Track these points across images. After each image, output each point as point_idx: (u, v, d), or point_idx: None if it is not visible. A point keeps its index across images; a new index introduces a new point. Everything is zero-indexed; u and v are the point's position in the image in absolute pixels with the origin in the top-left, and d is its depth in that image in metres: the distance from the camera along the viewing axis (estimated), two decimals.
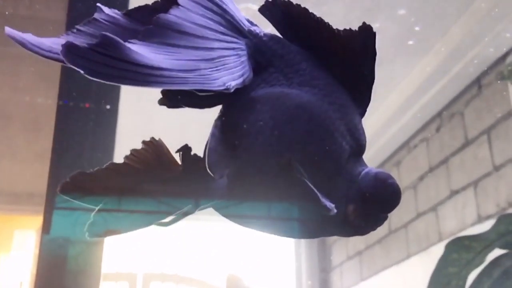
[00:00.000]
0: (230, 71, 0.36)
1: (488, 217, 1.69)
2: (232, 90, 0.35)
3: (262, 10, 0.41)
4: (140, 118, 1.82)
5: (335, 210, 0.35)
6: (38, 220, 0.88)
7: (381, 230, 2.33)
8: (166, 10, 0.34)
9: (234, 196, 0.37)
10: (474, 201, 1.78)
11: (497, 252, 1.52)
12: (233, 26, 0.38)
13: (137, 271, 2.48)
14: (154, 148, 0.40)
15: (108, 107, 1.00)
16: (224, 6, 0.38)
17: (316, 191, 0.35)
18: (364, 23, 0.39)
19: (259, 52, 0.39)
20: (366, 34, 0.38)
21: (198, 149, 0.40)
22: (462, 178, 1.84)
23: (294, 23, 0.40)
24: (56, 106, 1.00)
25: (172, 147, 0.41)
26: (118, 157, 1.02)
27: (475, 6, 1.60)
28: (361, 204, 0.37)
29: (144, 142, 0.40)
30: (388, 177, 0.38)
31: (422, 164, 2.07)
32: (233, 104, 0.38)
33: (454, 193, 1.88)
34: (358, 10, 1.61)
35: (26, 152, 1.37)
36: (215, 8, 0.38)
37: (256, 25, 0.41)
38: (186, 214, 0.39)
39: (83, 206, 0.40)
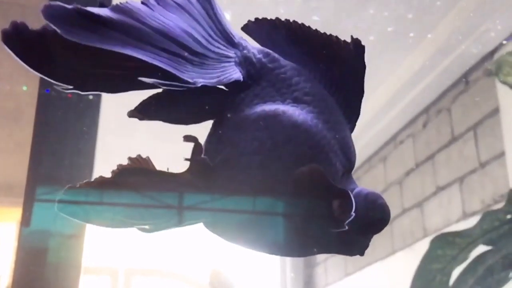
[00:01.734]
0: (205, 71, 0.35)
1: (473, 214, 1.69)
2: (198, 85, 0.34)
3: (246, 29, 0.41)
4: (124, 110, 1.80)
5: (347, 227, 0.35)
6: (17, 212, 0.86)
7: None
8: None
9: (227, 215, 0.37)
10: (459, 198, 1.78)
11: (481, 248, 1.52)
12: (224, 35, 0.39)
13: (119, 266, 2.47)
14: (139, 165, 0.38)
15: (91, 97, 0.98)
16: (219, 18, 0.39)
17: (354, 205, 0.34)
18: (352, 36, 0.38)
19: (249, 63, 0.39)
20: (355, 48, 0.38)
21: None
22: (447, 174, 1.85)
23: (281, 38, 0.40)
24: (37, 95, 0.98)
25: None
26: (100, 148, 1.00)
27: (463, 2, 1.60)
28: (351, 224, 0.37)
29: (130, 158, 0.38)
30: (378, 198, 0.38)
31: (408, 160, 2.08)
32: (226, 120, 0.38)
33: (440, 189, 1.88)
34: (347, 4, 1.60)
35: (5, 142, 1.35)
36: (211, 13, 0.38)
37: (245, 39, 0.41)
38: (170, 226, 0.38)
39: None
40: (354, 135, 0.40)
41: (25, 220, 0.88)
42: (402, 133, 2.14)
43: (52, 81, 0.37)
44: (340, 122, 0.39)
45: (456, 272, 1.55)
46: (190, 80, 0.34)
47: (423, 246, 1.70)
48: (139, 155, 0.38)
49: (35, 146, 0.95)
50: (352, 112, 0.40)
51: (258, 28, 0.41)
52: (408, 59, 1.84)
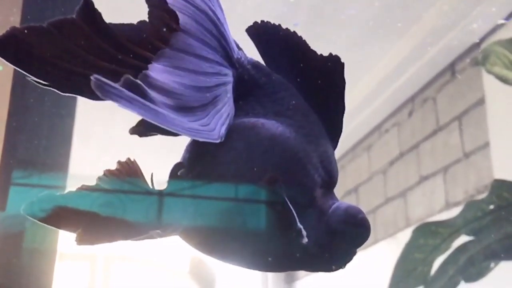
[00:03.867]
0: (220, 115, 0.35)
1: (456, 204, 1.69)
2: (223, 139, 0.35)
3: (249, 31, 0.41)
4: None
5: (306, 239, 0.35)
6: None
7: None
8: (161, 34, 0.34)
9: (200, 226, 0.37)
10: (442, 188, 1.78)
11: (463, 238, 1.52)
12: (226, 54, 0.38)
13: (98, 252, 2.45)
14: (128, 169, 0.38)
15: None
16: (222, 28, 0.38)
17: (294, 212, 0.34)
18: (331, 53, 0.39)
19: (242, 82, 0.39)
20: (334, 65, 0.39)
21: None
22: (432, 164, 1.84)
23: (276, 46, 0.41)
24: (12, 75, 0.95)
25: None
26: (78, 132, 0.96)
27: None
28: (330, 238, 0.37)
29: (119, 162, 0.38)
30: (359, 212, 0.38)
31: (393, 149, 2.07)
32: None
33: (424, 179, 1.88)
34: None
35: None
36: (214, 30, 0.37)
37: (241, 49, 0.40)
38: (147, 237, 0.37)
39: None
40: None
41: (0, 205, 0.86)
42: (387, 122, 2.13)
43: (28, 75, 0.36)
44: (322, 137, 0.39)
45: (438, 262, 1.55)
46: (217, 140, 0.34)
47: (405, 235, 1.70)
48: (128, 158, 0.38)
49: (10, 129, 0.93)
50: (334, 129, 0.40)
51: (261, 31, 0.41)
52: (395, 47, 1.83)
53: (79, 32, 0.35)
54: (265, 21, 0.41)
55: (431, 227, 1.63)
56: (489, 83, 1.60)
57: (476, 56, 1.64)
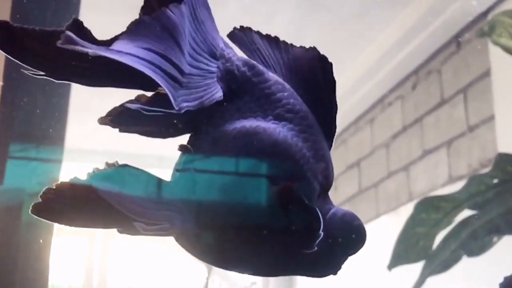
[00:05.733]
0: (188, 92, 0.35)
1: (460, 178, 1.68)
2: (182, 111, 0.34)
3: (231, 36, 0.41)
4: None
5: (316, 247, 0.35)
6: None
7: (350, 189, 2.33)
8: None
9: (197, 231, 0.36)
10: (446, 161, 1.77)
11: (466, 213, 1.51)
12: (207, 46, 0.38)
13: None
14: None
15: None
16: (203, 26, 0.38)
17: (320, 214, 0.35)
18: (318, 52, 0.39)
19: (232, 77, 0.39)
20: (322, 64, 0.39)
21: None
22: (435, 138, 1.83)
23: (262, 49, 0.41)
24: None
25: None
26: (73, 104, 0.94)
27: None
28: (326, 244, 0.37)
29: (107, 164, 0.37)
30: (355, 219, 0.38)
31: (396, 122, 2.06)
32: (204, 134, 0.37)
33: (427, 152, 1.87)
34: None
35: None
36: (196, 24, 0.37)
37: (231, 48, 0.40)
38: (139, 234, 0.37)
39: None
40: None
41: None
42: (391, 95, 2.11)
43: (23, 65, 0.36)
44: (320, 140, 0.40)
45: (440, 237, 1.54)
46: (175, 108, 0.34)
47: (408, 210, 1.69)
48: (116, 161, 0.37)
49: (6, 103, 0.92)
50: (328, 129, 0.40)
51: (244, 36, 0.41)
52: (399, 18, 1.81)
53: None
54: (244, 27, 0.42)
55: (433, 202, 1.62)
56: (496, 54, 1.57)
57: (482, 26, 1.61)
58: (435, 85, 1.85)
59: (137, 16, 0.37)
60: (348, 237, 0.38)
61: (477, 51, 1.65)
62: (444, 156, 1.78)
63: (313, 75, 0.40)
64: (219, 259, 0.38)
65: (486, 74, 1.63)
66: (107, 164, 0.36)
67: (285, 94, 0.39)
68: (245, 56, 0.41)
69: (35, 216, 0.36)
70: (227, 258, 0.37)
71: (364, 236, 0.38)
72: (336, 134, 0.41)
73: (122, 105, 0.38)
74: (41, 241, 0.84)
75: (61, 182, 0.36)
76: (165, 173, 0.39)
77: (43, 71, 0.36)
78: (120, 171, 0.36)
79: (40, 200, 0.35)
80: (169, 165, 0.40)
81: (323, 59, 0.40)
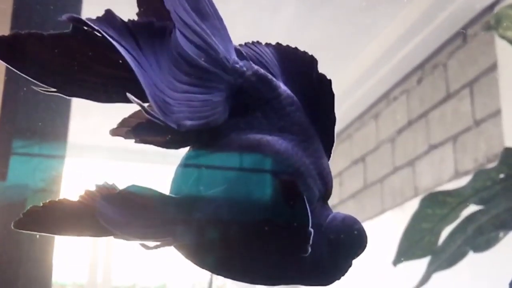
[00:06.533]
0: (192, 110, 0.35)
1: (466, 173, 1.67)
2: (184, 130, 0.34)
3: (245, 48, 0.41)
4: None
5: (310, 249, 0.35)
6: None
7: (356, 185, 2.32)
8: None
9: (195, 239, 0.36)
10: (452, 156, 1.76)
11: (472, 208, 1.50)
12: (219, 60, 0.38)
13: None
14: (107, 192, 0.36)
15: None
16: (210, 40, 0.37)
17: (309, 213, 0.35)
18: (317, 71, 0.40)
19: (245, 94, 0.39)
20: (321, 80, 0.40)
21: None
22: (441, 133, 1.82)
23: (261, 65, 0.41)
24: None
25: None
26: (76, 102, 0.95)
27: None
28: (327, 249, 0.37)
29: (97, 186, 0.36)
30: (355, 222, 0.38)
31: (401, 117, 2.05)
32: (206, 146, 0.38)
33: (433, 147, 1.86)
34: None
35: None
36: (204, 36, 0.37)
37: (245, 58, 0.40)
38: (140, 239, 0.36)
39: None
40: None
41: (1, 174, 0.85)
42: (396, 89, 2.10)
43: (33, 81, 0.35)
44: (319, 150, 0.40)
45: (445, 232, 1.54)
46: (174, 125, 0.33)
47: (413, 205, 1.68)
48: (105, 182, 0.36)
49: (8, 98, 0.91)
50: (328, 140, 0.41)
51: (248, 50, 0.41)
52: (404, 12, 1.80)
53: (74, 48, 0.34)
54: (247, 42, 0.42)
55: (439, 197, 1.61)
56: (502, 48, 1.56)
57: (488, 20, 1.60)
58: (440, 80, 1.84)
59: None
60: (349, 240, 0.38)
61: (484, 44, 1.64)
62: (450, 151, 1.77)
63: (313, 89, 0.41)
64: (221, 269, 0.38)
65: (493, 68, 1.61)
66: (97, 186, 0.35)
67: (293, 107, 0.40)
68: (260, 70, 0.40)
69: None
70: (229, 267, 0.37)
71: (365, 239, 0.38)
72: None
73: (133, 115, 0.38)
74: (43, 237, 0.84)
75: (50, 201, 0.35)
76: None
77: (53, 86, 0.35)
78: (124, 197, 0.35)
79: (22, 217, 0.35)
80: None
81: (322, 76, 0.40)
